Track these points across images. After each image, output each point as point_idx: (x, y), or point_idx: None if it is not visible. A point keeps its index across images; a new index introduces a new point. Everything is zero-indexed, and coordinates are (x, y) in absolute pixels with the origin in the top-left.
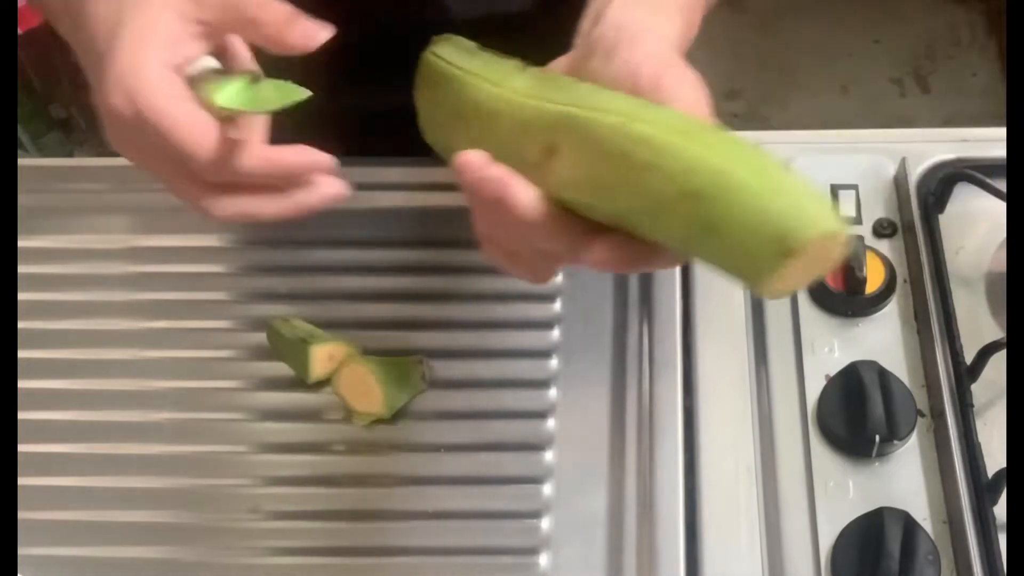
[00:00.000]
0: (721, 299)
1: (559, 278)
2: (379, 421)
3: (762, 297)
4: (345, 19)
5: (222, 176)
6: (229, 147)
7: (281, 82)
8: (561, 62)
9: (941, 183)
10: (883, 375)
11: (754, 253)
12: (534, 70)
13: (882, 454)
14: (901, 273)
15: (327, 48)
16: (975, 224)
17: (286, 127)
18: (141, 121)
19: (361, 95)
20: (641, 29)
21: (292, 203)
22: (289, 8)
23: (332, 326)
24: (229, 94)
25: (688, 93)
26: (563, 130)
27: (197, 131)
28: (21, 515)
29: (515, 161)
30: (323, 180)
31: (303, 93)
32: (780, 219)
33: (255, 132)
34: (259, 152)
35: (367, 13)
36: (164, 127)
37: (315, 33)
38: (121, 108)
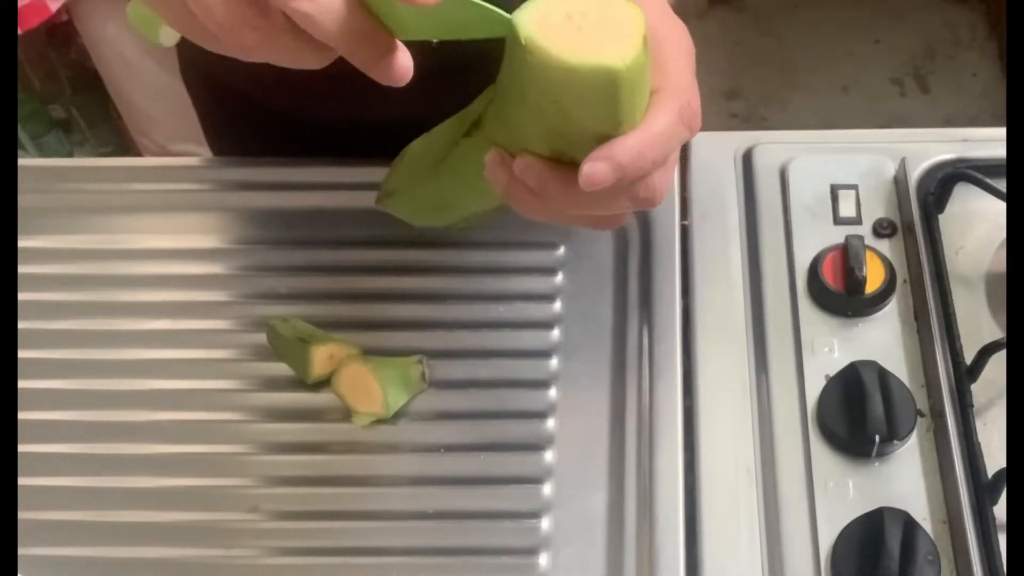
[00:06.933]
0: (721, 299)
1: (559, 278)
2: (379, 421)
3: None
4: None
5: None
6: None
7: None
8: None
9: (941, 183)
10: (883, 375)
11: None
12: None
13: (882, 454)
14: (901, 273)
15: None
16: (975, 224)
17: (272, 134)
18: None
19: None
20: None
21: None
22: None
23: (332, 326)
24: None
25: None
26: None
27: None
28: (21, 515)
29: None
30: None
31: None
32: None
33: None
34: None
35: None
36: None
37: None
38: None
